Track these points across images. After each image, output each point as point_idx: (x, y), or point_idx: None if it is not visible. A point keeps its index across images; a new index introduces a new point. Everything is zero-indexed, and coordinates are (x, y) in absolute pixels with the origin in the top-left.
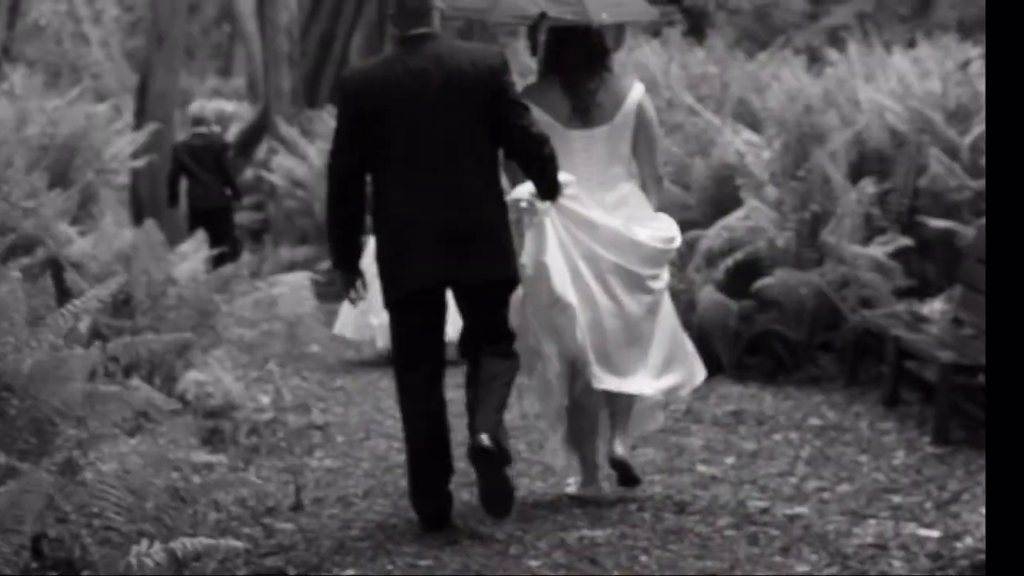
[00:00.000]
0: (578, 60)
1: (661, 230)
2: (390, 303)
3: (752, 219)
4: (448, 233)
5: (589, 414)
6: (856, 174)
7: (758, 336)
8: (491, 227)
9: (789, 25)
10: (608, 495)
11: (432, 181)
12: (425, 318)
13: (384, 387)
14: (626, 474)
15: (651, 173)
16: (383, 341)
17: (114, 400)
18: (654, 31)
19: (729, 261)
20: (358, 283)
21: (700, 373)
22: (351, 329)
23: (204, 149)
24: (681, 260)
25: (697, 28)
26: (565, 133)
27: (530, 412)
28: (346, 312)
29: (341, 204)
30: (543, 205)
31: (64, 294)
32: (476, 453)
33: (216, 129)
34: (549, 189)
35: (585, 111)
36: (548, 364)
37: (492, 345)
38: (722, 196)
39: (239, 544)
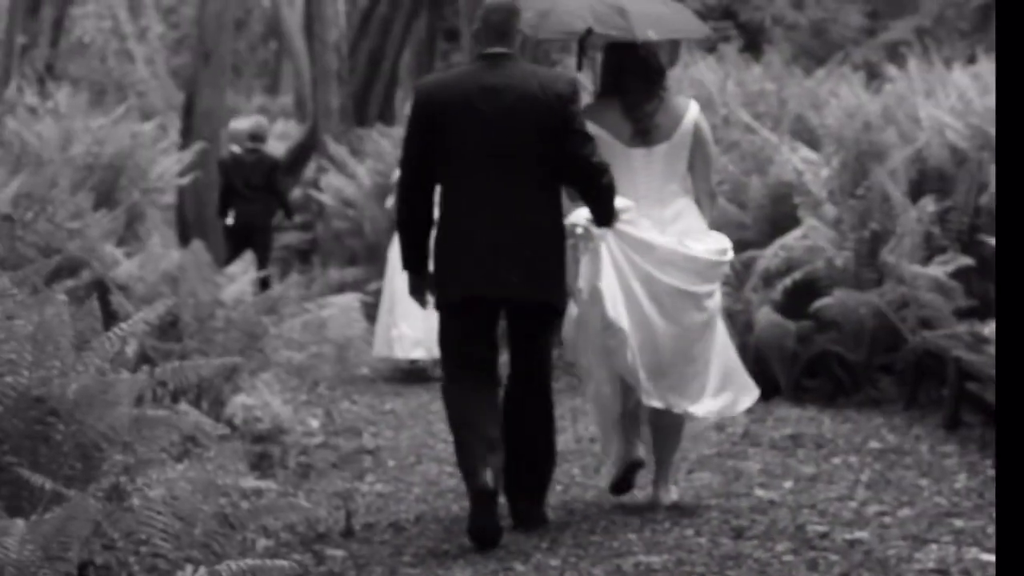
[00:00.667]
0: (638, 82)
1: (714, 244)
2: (438, 307)
3: (810, 238)
4: (500, 249)
5: (638, 421)
6: (916, 192)
7: (816, 358)
8: (543, 250)
9: (847, 41)
10: (643, 460)
11: (491, 197)
12: (471, 328)
13: (435, 410)
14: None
15: (705, 189)
16: (402, 351)
17: (162, 425)
18: (710, 47)
19: (787, 281)
20: (424, 287)
21: (752, 392)
22: (383, 347)
23: (254, 166)
24: (738, 280)
25: (753, 44)
26: (626, 152)
27: (584, 435)
28: (378, 332)
29: (409, 208)
30: (599, 231)
31: (110, 317)
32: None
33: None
34: (605, 216)
35: (645, 131)
36: (599, 385)
37: (530, 377)
38: (779, 215)
39: (286, 563)
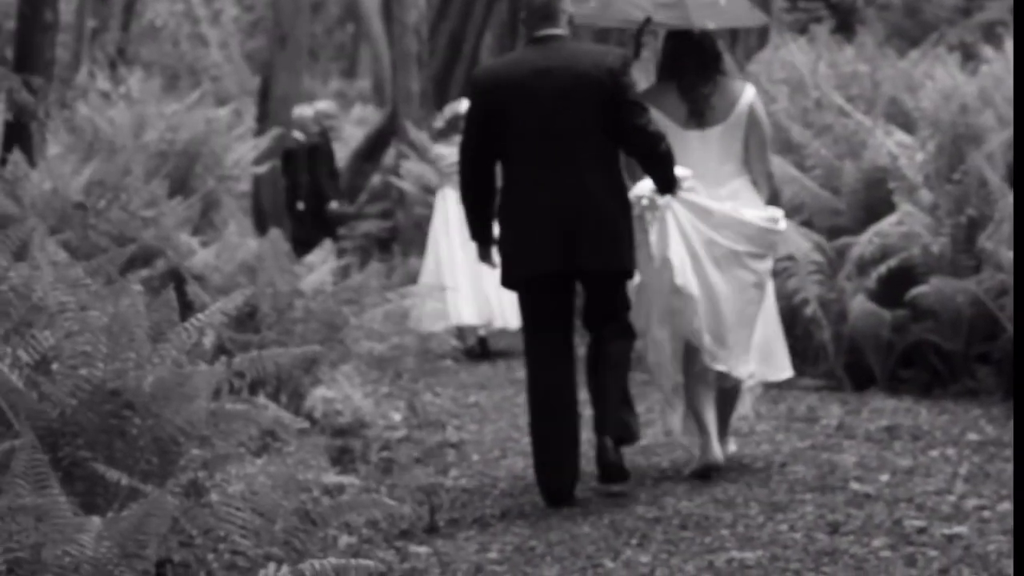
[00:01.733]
0: (694, 66)
1: (767, 213)
2: (510, 286)
3: (905, 224)
4: (565, 223)
5: (704, 388)
6: (1014, 177)
7: (912, 347)
8: (608, 218)
9: (941, 21)
10: (723, 462)
11: (552, 174)
12: (545, 301)
13: (520, 403)
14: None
15: (761, 170)
16: (429, 323)
17: (240, 418)
18: (801, 28)
19: (882, 269)
20: (491, 253)
21: (787, 368)
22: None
23: (319, 149)
24: (831, 268)
25: (845, 25)
26: (683, 134)
27: (675, 429)
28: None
29: (470, 187)
30: (663, 200)
31: (186, 308)
32: (602, 460)
33: (299, 135)
34: (667, 183)
35: (700, 114)
36: (660, 347)
37: (610, 321)
38: (874, 200)
39: (371, 562)
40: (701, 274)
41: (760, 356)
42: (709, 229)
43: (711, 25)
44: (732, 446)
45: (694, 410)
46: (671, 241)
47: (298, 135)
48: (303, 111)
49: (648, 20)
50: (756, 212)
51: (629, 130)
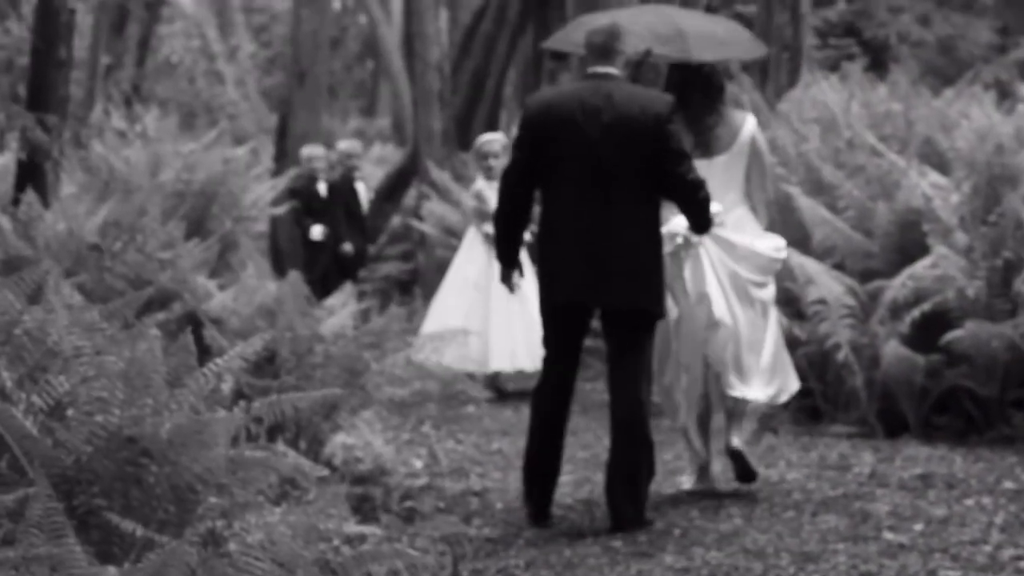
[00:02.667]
0: (699, 98)
1: (773, 243)
2: (542, 311)
3: (940, 267)
4: (593, 257)
5: (708, 415)
6: None
7: (946, 393)
8: (637, 259)
9: (976, 58)
10: (722, 488)
11: (588, 209)
12: (566, 329)
13: None
14: (743, 466)
15: (761, 198)
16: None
17: (259, 466)
18: (832, 66)
19: (915, 313)
20: (514, 276)
21: (794, 384)
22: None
23: (338, 189)
24: (864, 312)
25: (878, 62)
26: None
27: (700, 450)
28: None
29: (506, 211)
30: (696, 238)
31: (204, 352)
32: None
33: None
34: (703, 227)
35: (706, 144)
36: (692, 377)
37: (624, 389)
38: (907, 243)
39: None
40: (730, 303)
41: (772, 377)
42: (732, 261)
43: (709, 57)
44: (736, 439)
45: (694, 440)
46: (707, 276)
47: (320, 172)
48: (312, 150)
49: (648, 52)
50: (765, 243)
51: (670, 177)
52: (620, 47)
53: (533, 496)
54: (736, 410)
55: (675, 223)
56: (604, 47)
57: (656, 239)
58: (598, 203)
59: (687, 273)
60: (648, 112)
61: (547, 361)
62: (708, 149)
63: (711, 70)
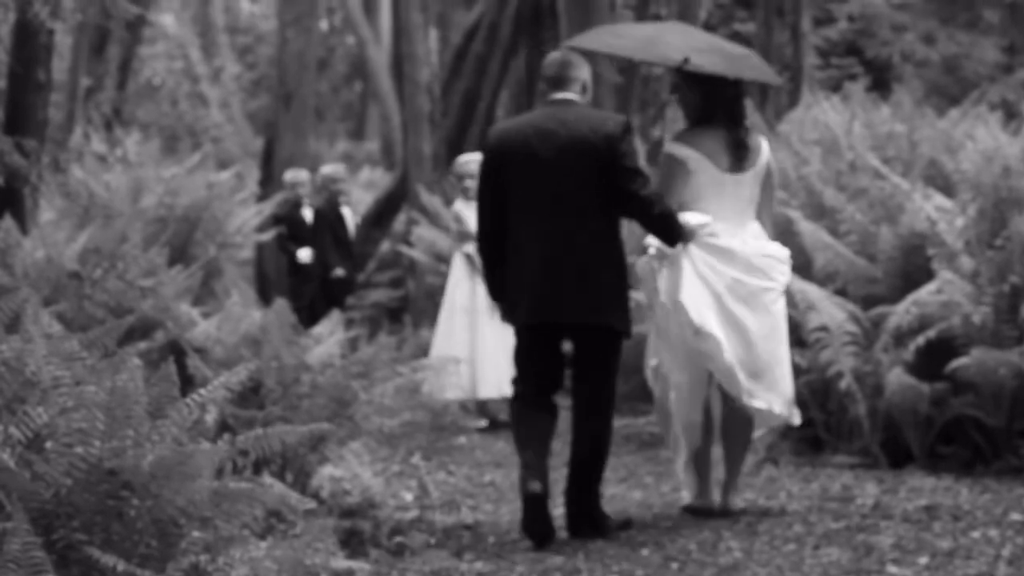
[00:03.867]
0: (740, 114)
1: (780, 251)
2: (515, 332)
3: (945, 293)
4: (553, 276)
5: (735, 428)
6: None
7: (952, 422)
8: (601, 277)
9: (982, 78)
10: (718, 506)
11: (547, 229)
12: (535, 350)
13: None
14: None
15: (768, 217)
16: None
17: (244, 499)
18: (834, 86)
19: (920, 340)
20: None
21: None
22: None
23: (324, 215)
24: (867, 339)
25: (881, 82)
26: (720, 176)
27: (679, 470)
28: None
29: (484, 240)
30: (670, 249)
31: (187, 382)
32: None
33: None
34: (670, 240)
35: (739, 158)
36: (679, 390)
37: (589, 406)
38: (911, 268)
39: None
40: (726, 313)
41: (787, 389)
42: (734, 270)
43: (749, 76)
44: (740, 502)
45: (703, 451)
46: (683, 284)
47: (305, 197)
48: (296, 175)
49: (686, 60)
50: (772, 247)
51: (624, 195)
52: (574, 74)
53: (531, 513)
54: (739, 434)
55: (649, 238)
56: (558, 76)
57: (616, 255)
58: (556, 222)
59: (661, 283)
60: (599, 132)
61: (520, 382)
62: (740, 164)
63: (740, 85)
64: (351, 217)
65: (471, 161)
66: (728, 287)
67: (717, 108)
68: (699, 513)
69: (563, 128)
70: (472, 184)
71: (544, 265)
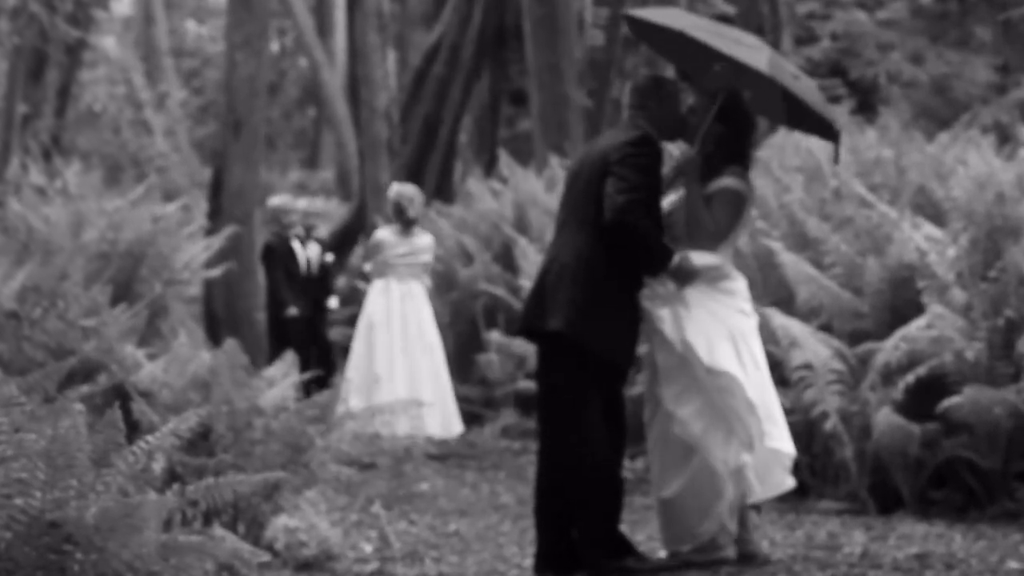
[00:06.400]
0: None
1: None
2: None
3: (936, 328)
4: (545, 288)
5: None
6: None
7: (944, 465)
8: (588, 292)
9: (974, 99)
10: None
11: (556, 243)
12: (540, 363)
13: (506, 531)
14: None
15: None
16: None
17: (194, 552)
18: None
19: (909, 378)
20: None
21: None
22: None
23: (274, 250)
24: (853, 377)
25: (867, 105)
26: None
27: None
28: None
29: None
30: (666, 288)
31: (132, 428)
32: None
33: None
34: (645, 264)
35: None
36: (704, 438)
37: (545, 426)
38: (900, 302)
39: None
40: (739, 350)
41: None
42: (740, 305)
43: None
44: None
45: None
46: (687, 323)
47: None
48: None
49: (796, 77)
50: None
51: (604, 196)
52: (647, 97)
53: (540, 538)
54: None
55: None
56: (630, 97)
57: (605, 267)
58: (563, 237)
59: (665, 325)
60: (616, 141)
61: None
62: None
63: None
64: (316, 251)
65: (405, 190)
66: (738, 324)
67: (748, 148)
68: (749, 560)
69: (596, 144)
70: (412, 214)
71: (542, 276)
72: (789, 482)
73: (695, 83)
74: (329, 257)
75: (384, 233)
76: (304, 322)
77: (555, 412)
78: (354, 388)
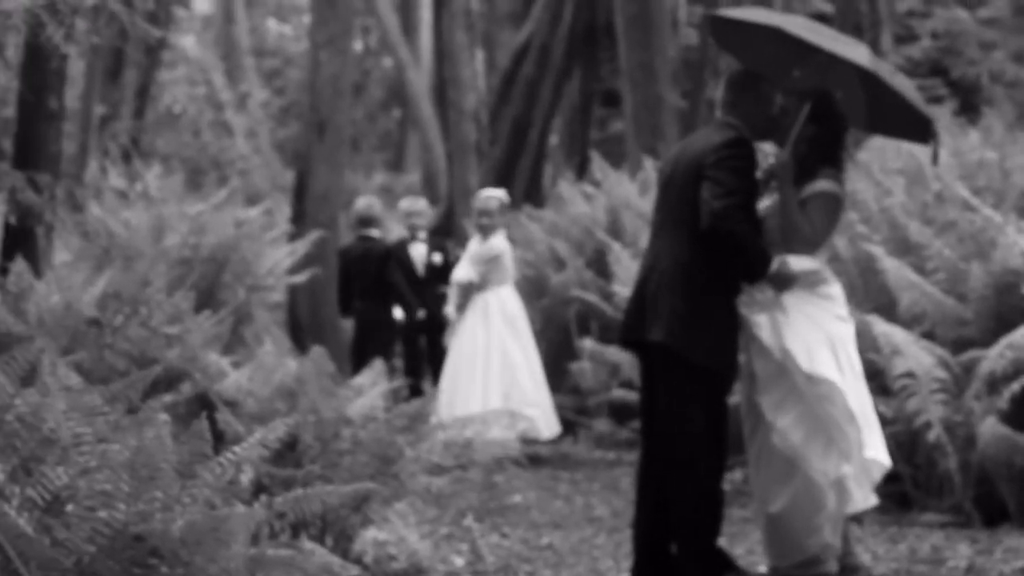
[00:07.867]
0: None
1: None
2: None
3: None
4: (645, 297)
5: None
6: None
7: None
8: (685, 299)
9: None
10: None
11: (651, 249)
12: (643, 374)
13: (600, 545)
14: None
15: None
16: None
17: (282, 566)
18: None
19: (1015, 386)
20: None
21: None
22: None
23: (362, 256)
24: (957, 386)
25: (969, 105)
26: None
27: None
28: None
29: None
30: (764, 295)
31: (217, 439)
32: None
33: (377, 233)
34: (744, 271)
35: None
36: (805, 447)
37: (657, 444)
38: (1005, 308)
39: None
40: (838, 357)
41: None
42: (838, 312)
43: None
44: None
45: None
46: (786, 330)
47: (365, 232)
48: (370, 204)
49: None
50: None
51: (700, 202)
52: (735, 99)
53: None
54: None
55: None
56: (724, 95)
57: (703, 277)
58: (658, 242)
59: (763, 332)
60: (709, 143)
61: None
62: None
63: None
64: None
65: (492, 197)
66: (837, 330)
67: (841, 150)
68: (851, 574)
69: (689, 145)
70: (488, 222)
71: (641, 284)
72: (872, 499)
73: (782, 85)
74: (437, 258)
75: (499, 242)
76: (418, 326)
77: (659, 425)
78: (447, 397)
